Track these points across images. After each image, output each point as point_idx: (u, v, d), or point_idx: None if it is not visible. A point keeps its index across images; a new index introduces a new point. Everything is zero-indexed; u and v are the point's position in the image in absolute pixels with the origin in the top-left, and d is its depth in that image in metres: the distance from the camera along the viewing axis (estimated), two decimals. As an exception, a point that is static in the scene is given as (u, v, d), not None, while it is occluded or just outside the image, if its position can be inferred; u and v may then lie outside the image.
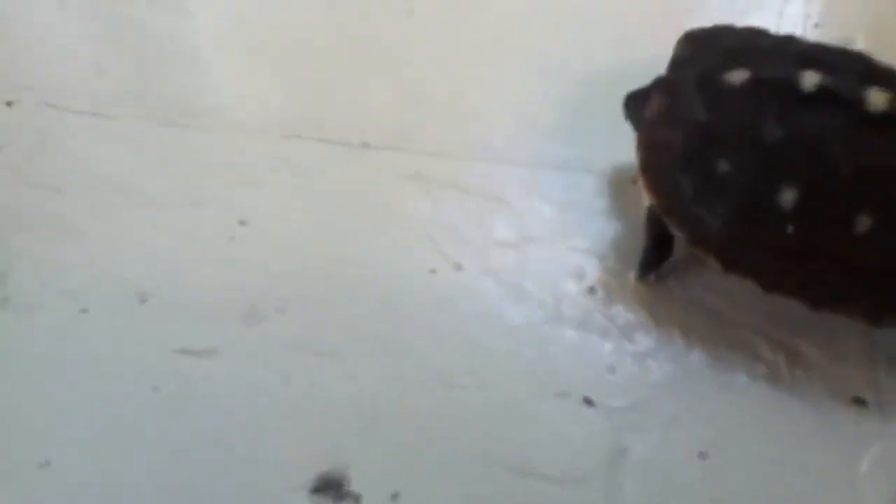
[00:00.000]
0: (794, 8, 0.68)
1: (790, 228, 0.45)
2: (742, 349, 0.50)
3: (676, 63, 0.52)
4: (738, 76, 0.47)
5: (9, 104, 0.62)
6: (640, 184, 0.50)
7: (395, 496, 0.45)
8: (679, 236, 0.49)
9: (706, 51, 0.51)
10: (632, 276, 0.52)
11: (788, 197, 0.45)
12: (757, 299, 0.49)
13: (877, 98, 0.45)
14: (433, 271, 0.54)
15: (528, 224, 0.56)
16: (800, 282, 0.47)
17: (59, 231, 0.55)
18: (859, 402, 0.49)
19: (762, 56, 0.49)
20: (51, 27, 0.67)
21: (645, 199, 0.50)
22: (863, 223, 0.45)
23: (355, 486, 0.46)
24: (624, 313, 0.52)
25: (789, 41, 0.51)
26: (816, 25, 0.66)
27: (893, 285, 0.46)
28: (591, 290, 0.53)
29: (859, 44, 0.64)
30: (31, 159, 0.59)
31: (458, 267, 0.54)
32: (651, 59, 0.55)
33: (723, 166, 0.47)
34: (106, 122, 0.61)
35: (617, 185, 0.57)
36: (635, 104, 0.54)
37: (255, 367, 0.50)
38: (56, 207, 0.56)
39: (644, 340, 0.51)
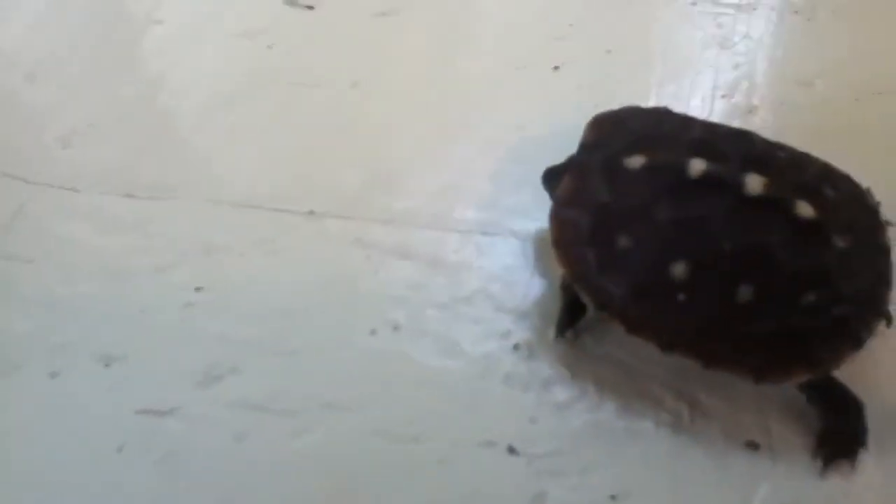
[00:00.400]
0: (704, 79, 0.75)
1: (681, 297, 0.52)
2: (649, 399, 0.57)
3: (585, 146, 0.59)
4: (636, 161, 0.54)
5: (-21, 178, 0.67)
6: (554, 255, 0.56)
7: (339, 542, 0.51)
8: (586, 301, 0.55)
9: (611, 135, 0.58)
10: (551, 333, 0.59)
11: (679, 270, 0.52)
12: (661, 355, 0.56)
13: (753, 182, 0.52)
14: (373, 332, 0.59)
15: (461, 286, 0.62)
16: (692, 344, 0.53)
17: (31, 299, 0.60)
18: (752, 445, 0.55)
19: (659, 142, 0.56)
20: (19, 100, 0.71)
21: (560, 268, 0.56)
22: (744, 293, 0.51)
23: (304, 533, 0.51)
24: (544, 368, 0.58)
25: (686, 125, 0.58)
26: (724, 96, 0.73)
27: (772, 347, 0.52)
28: (516, 347, 0.59)
29: (761, 112, 0.72)
30: (2, 232, 0.64)
31: (396, 327, 0.60)
32: (575, 131, 0.62)
33: (623, 242, 0.54)
34: (72, 194, 0.66)
35: (539, 248, 0.63)
36: (552, 178, 0.61)
37: (212, 425, 0.55)
38: (28, 277, 0.61)
39: (562, 393, 0.57)
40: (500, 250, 0.64)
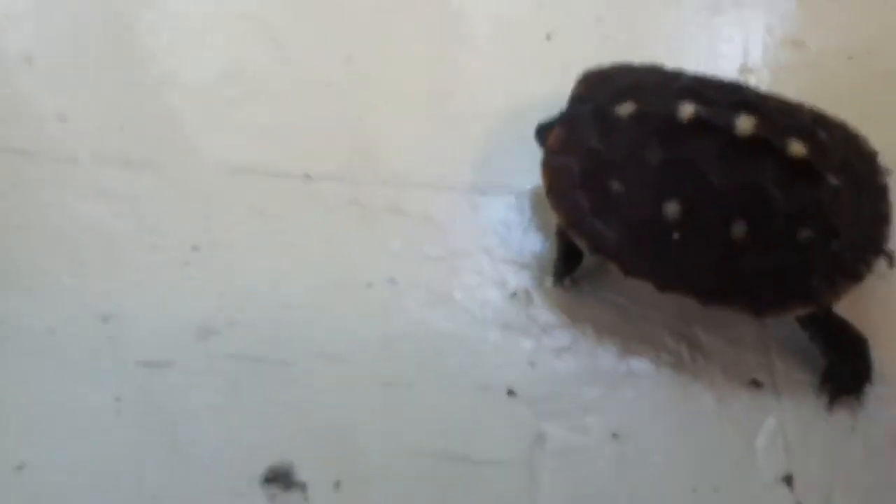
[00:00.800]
0: (697, 44, 0.75)
1: (676, 236, 0.52)
2: (649, 342, 0.56)
3: (575, 99, 0.59)
4: (625, 109, 0.55)
5: (-23, 153, 0.67)
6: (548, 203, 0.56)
7: (337, 484, 0.50)
8: (581, 246, 0.55)
9: (601, 88, 0.58)
10: (548, 281, 0.58)
11: (672, 209, 0.52)
12: (659, 297, 0.55)
13: (744, 123, 0.52)
14: (369, 285, 0.59)
15: (456, 241, 0.62)
16: (689, 282, 0.53)
17: (29, 266, 0.60)
18: (755, 383, 0.55)
19: (649, 91, 0.56)
20: (18, 80, 0.72)
21: (555, 216, 0.56)
22: (738, 231, 0.52)
23: (302, 475, 0.51)
24: (543, 314, 0.57)
25: (676, 76, 0.59)
26: (717, 58, 0.74)
27: (770, 282, 0.52)
28: (514, 295, 0.58)
29: (755, 74, 0.72)
30: (2, 200, 0.64)
31: (392, 281, 0.59)
32: (567, 95, 0.62)
33: (615, 185, 0.54)
34: (70, 166, 0.66)
35: (535, 203, 0.63)
36: (545, 132, 0.61)
37: (209, 376, 0.55)
38: (22, 247, 0.61)
39: (561, 337, 0.56)
40: (495, 206, 0.64)
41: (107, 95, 0.71)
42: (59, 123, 0.69)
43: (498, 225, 0.62)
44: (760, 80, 0.71)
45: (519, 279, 0.59)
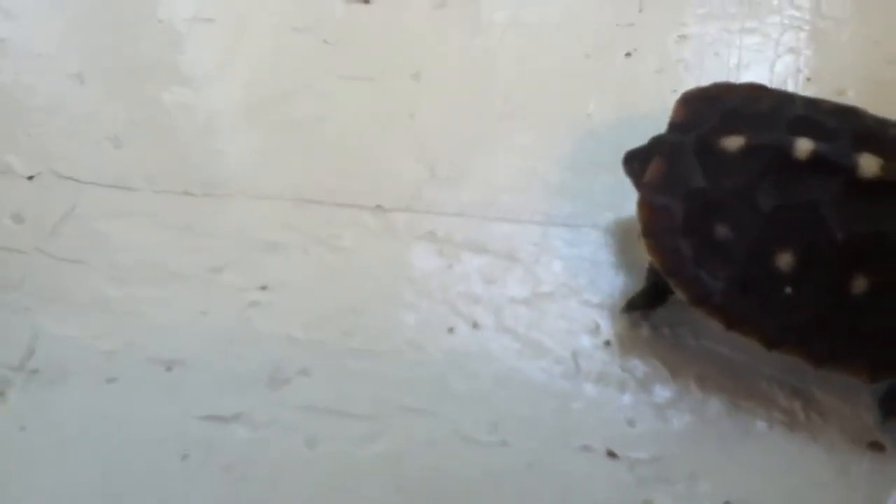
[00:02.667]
0: (786, 62, 0.70)
1: (788, 290, 0.47)
2: (758, 397, 0.51)
3: (674, 126, 0.53)
4: (734, 142, 0.49)
5: (30, 178, 0.64)
6: (643, 245, 0.51)
7: (424, 556, 0.46)
8: (681, 296, 0.50)
9: (703, 114, 0.52)
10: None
11: (785, 261, 0.47)
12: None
13: (868, 164, 0.47)
14: (451, 330, 0.55)
15: (541, 280, 0.57)
16: (800, 341, 0.48)
17: (84, 302, 0.57)
18: (876, 446, 0.50)
19: (758, 120, 0.51)
20: (69, 102, 0.69)
21: (649, 259, 0.52)
22: (858, 286, 0.46)
23: (384, 546, 0.46)
24: (640, 366, 0.53)
25: (786, 101, 0.53)
26: (808, 79, 0.69)
27: (887, 343, 0.47)
28: (607, 343, 0.54)
29: (850, 96, 0.67)
30: (54, 232, 0.60)
31: (475, 325, 0.55)
32: (649, 115, 0.57)
33: (722, 232, 0.49)
34: (125, 193, 0.62)
35: (623, 238, 0.59)
36: (634, 162, 0.55)
37: (281, 430, 0.50)
38: (80, 279, 0.58)
39: (662, 392, 0.52)
40: (580, 242, 0.59)
41: (161, 119, 0.67)
42: (113, 148, 0.65)
43: (585, 263, 0.58)
44: (856, 101, 0.66)
45: (612, 325, 0.55)
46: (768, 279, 0.48)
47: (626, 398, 0.51)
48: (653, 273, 0.53)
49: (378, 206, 0.61)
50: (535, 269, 0.58)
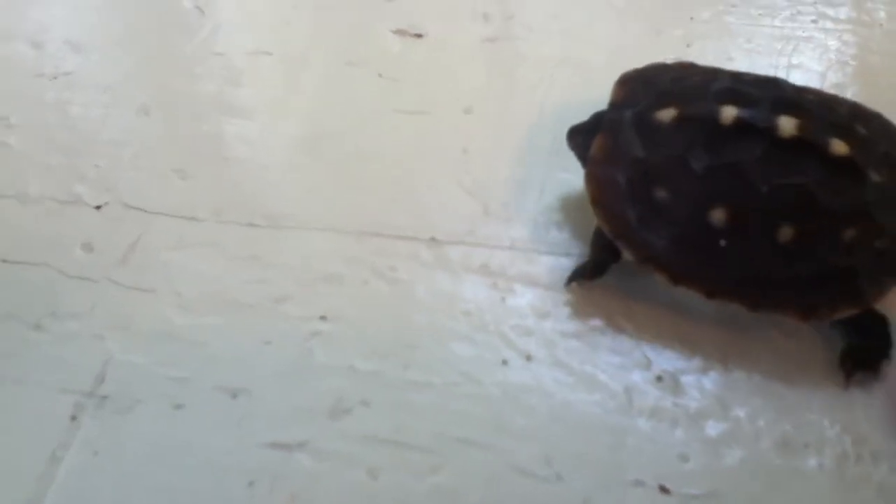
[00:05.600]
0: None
1: (723, 242, 0.53)
2: (809, 433, 0.52)
3: (614, 105, 0.59)
4: (667, 114, 0.55)
5: (98, 208, 0.66)
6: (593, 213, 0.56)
7: (483, 586, 0.48)
8: (630, 256, 0.56)
9: (639, 92, 0.58)
10: (696, 362, 0.55)
11: (718, 216, 0.52)
12: (820, 380, 0.52)
13: (786, 125, 0.52)
14: (505, 363, 0.56)
15: (593, 314, 0.58)
16: (737, 288, 0.53)
17: (152, 331, 0.59)
18: (927, 485, 0.50)
19: (688, 94, 0.56)
20: (136, 134, 0.71)
21: (593, 222, 0.57)
22: (784, 234, 0.52)
23: (445, 576, 0.48)
24: (692, 401, 0.54)
25: (712, 75, 0.58)
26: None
27: (818, 285, 0.52)
28: (659, 378, 0.55)
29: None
30: (123, 261, 0.63)
31: (529, 357, 0.57)
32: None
33: (661, 195, 0.54)
34: (191, 224, 0.65)
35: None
36: (577, 136, 0.62)
37: (344, 460, 0.52)
38: (148, 308, 0.60)
39: (714, 427, 0.53)
40: (630, 277, 0.60)
41: (224, 151, 0.70)
42: (179, 180, 0.68)
43: (633, 297, 0.59)
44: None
45: (663, 360, 0.56)
46: (705, 234, 0.53)
47: (679, 433, 0.53)
48: (599, 240, 0.58)
49: (433, 239, 0.63)
50: (586, 304, 0.59)
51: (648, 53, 0.75)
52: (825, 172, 0.51)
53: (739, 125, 0.52)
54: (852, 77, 0.73)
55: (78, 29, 0.81)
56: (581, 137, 0.61)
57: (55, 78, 0.76)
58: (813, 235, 0.52)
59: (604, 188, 0.56)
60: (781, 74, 0.73)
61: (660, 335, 0.57)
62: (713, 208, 0.52)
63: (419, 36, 0.77)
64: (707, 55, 0.74)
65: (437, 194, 0.66)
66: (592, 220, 0.63)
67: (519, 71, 0.75)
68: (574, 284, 0.59)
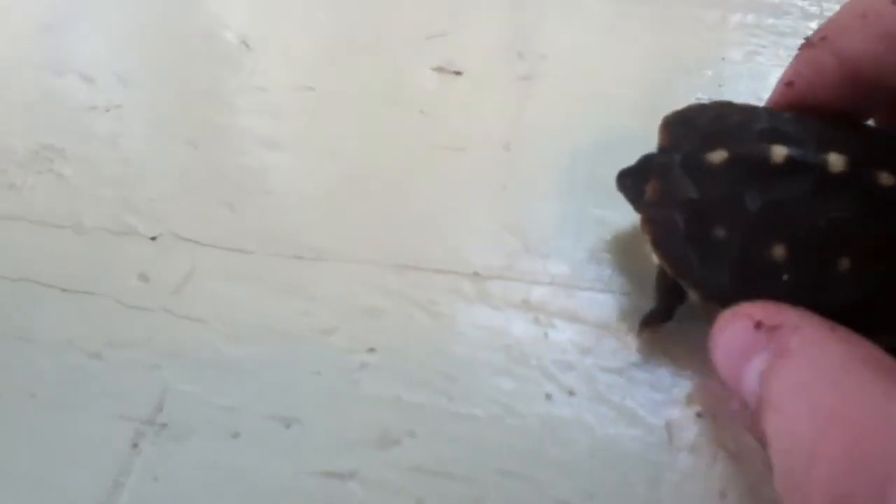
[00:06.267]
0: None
1: (785, 277, 0.54)
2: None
3: (662, 149, 0.61)
4: (717, 156, 0.56)
5: (153, 239, 0.69)
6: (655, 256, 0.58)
7: None
8: (694, 295, 0.57)
9: (684, 135, 0.60)
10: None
11: (778, 252, 0.54)
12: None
13: (835, 161, 0.53)
14: (548, 397, 0.58)
15: (633, 350, 0.60)
16: None
17: (206, 360, 0.61)
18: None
19: (733, 134, 0.57)
20: (185, 166, 0.74)
21: (655, 261, 0.58)
22: (844, 264, 0.53)
23: None
24: (731, 438, 0.56)
25: (753, 115, 0.59)
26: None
27: (875, 313, 0.53)
28: (699, 415, 0.57)
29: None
30: (177, 291, 0.65)
31: (571, 392, 0.59)
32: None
33: (719, 233, 0.55)
34: (241, 256, 0.67)
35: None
36: (626, 180, 0.64)
37: (393, 490, 0.54)
38: (201, 337, 0.62)
39: (751, 465, 0.55)
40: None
41: (269, 184, 0.72)
42: (229, 212, 0.70)
43: (676, 334, 0.61)
44: None
45: (703, 396, 0.58)
46: (766, 269, 0.54)
47: (718, 469, 0.54)
48: (662, 283, 0.60)
49: (475, 274, 0.65)
50: (627, 339, 0.61)
51: (681, 91, 0.78)
52: (876, 203, 0.53)
53: (790, 163, 0.54)
54: (880, 118, 0.75)
55: (127, 63, 0.84)
56: (630, 180, 0.63)
57: (107, 111, 0.79)
58: (872, 263, 0.53)
59: (663, 230, 0.58)
60: (811, 115, 0.75)
61: (699, 371, 0.59)
62: (772, 244, 0.54)
63: (458, 74, 0.80)
64: (739, 95, 0.76)
65: (476, 229, 0.69)
66: (631, 257, 0.66)
67: (554, 108, 0.77)
68: (646, 332, 0.61)
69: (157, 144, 0.76)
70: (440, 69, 0.81)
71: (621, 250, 0.67)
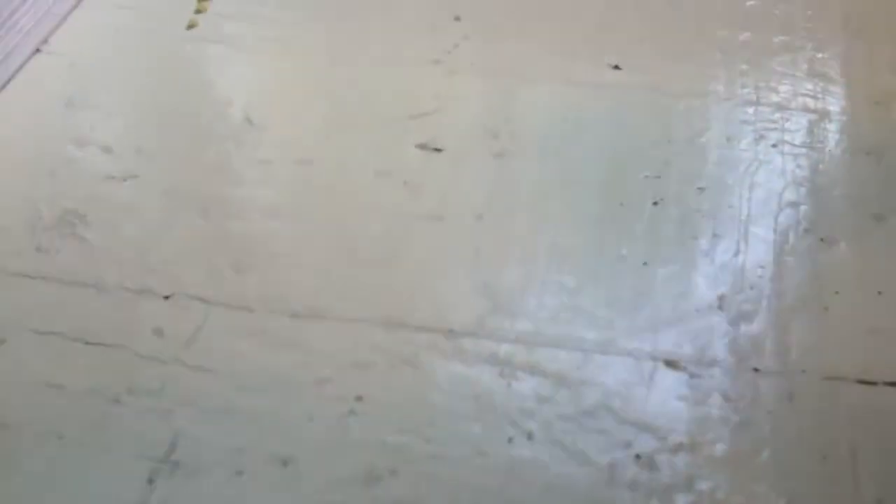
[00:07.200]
0: (789, 214, 0.84)
1: None
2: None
3: None
4: None
5: (166, 297, 0.78)
6: None
7: None
8: None
9: None
10: (669, 443, 0.67)
11: None
12: (774, 459, 0.63)
13: None
14: (511, 440, 0.68)
15: (585, 400, 0.70)
16: None
17: (215, 406, 0.70)
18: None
19: None
20: (195, 231, 0.84)
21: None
22: None
23: None
24: (664, 477, 0.65)
25: None
26: (806, 230, 0.82)
27: None
28: (638, 456, 0.66)
29: (841, 244, 0.81)
30: (188, 345, 0.74)
31: (530, 436, 0.68)
32: (672, 258, 0.71)
33: None
34: (245, 313, 0.77)
35: (653, 367, 0.72)
36: None
37: (377, 520, 0.63)
38: (210, 386, 0.71)
39: (682, 499, 0.64)
40: (617, 367, 0.72)
41: (270, 248, 0.82)
42: (234, 273, 0.80)
43: (620, 386, 0.71)
44: (844, 252, 0.80)
45: (642, 440, 0.67)
46: None
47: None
48: None
49: (451, 331, 0.75)
50: (579, 390, 0.71)
51: (632, 171, 0.89)
52: None
53: None
54: (805, 196, 0.86)
55: (143, 136, 0.93)
56: None
57: (124, 180, 0.88)
58: None
59: None
60: (744, 193, 0.86)
61: (639, 420, 0.68)
62: None
63: (438, 150, 0.90)
64: (683, 172, 0.87)
65: (453, 291, 0.78)
66: (586, 318, 0.76)
67: (522, 184, 0.88)
68: None
69: (170, 211, 0.86)
70: (423, 146, 0.91)
71: (579, 313, 0.77)
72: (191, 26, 1.06)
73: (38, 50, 1.02)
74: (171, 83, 1.00)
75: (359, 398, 0.70)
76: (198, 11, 1.07)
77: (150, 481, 0.66)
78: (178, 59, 1.03)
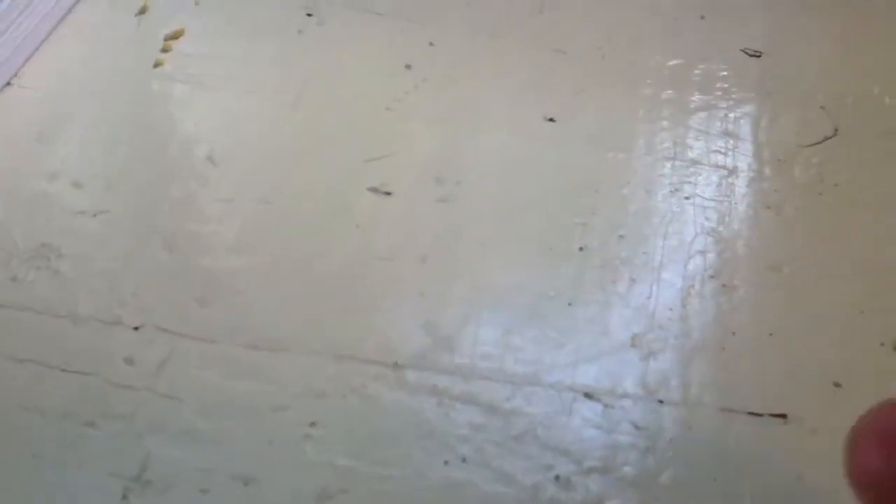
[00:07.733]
0: (697, 262, 0.96)
1: None
2: (659, 522, 0.74)
3: None
4: None
5: (136, 328, 0.85)
6: None
7: None
8: None
9: None
10: (584, 466, 0.77)
11: None
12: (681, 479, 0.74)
13: None
14: (446, 463, 0.77)
15: (513, 428, 0.80)
16: None
17: (182, 429, 0.78)
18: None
19: None
20: (162, 266, 0.91)
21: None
22: None
23: None
24: (579, 495, 0.75)
25: None
26: (711, 277, 0.94)
27: None
28: (557, 477, 0.77)
29: (740, 291, 0.93)
30: (157, 373, 0.82)
31: (464, 459, 0.78)
32: (593, 300, 0.82)
33: None
34: (210, 344, 0.84)
35: (573, 399, 0.82)
36: None
37: (328, 534, 0.72)
38: (178, 411, 0.79)
39: (593, 516, 0.75)
40: (541, 399, 0.82)
41: (232, 283, 0.90)
42: (199, 307, 0.87)
43: (543, 416, 0.81)
44: (744, 298, 0.92)
45: (560, 464, 0.78)
46: None
47: (568, 519, 0.74)
48: None
49: (396, 364, 0.84)
50: (508, 419, 0.81)
51: (560, 216, 0.99)
52: None
53: None
54: (711, 245, 0.98)
55: (113, 172, 1.00)
56: None
57: (95, 216, 0.95)
58: None
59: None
60: (658, 241, 0.97)
61: (559, 445, 0.79)
62: None
63: (388, 194, 0.99)
64: (607, 220, 0.98)
65: (398, 327, 0.87)
66: (518, 353, 0.86)
67: (464, 227, 0.98)
68: None
69: (139, 246, 0.93)
70: (374, 189, 1.00)
71: (510, 348, 0.87)
72: (157, 65, 1.13)
73: (9, 83, 1.08)
74: (138, 120, 1.06)
75: (313, 424, 0.79)
76: (164, 50, 1.14)
77: (125, 497, 0.73)
78: (145, 97, 1.10)
